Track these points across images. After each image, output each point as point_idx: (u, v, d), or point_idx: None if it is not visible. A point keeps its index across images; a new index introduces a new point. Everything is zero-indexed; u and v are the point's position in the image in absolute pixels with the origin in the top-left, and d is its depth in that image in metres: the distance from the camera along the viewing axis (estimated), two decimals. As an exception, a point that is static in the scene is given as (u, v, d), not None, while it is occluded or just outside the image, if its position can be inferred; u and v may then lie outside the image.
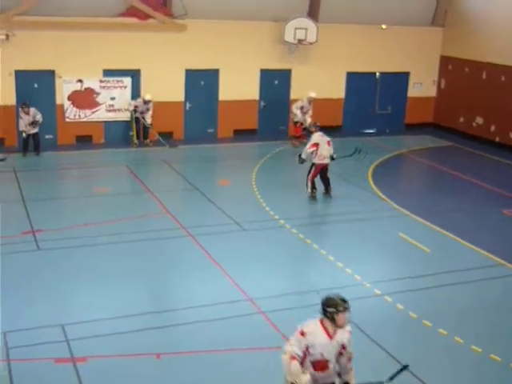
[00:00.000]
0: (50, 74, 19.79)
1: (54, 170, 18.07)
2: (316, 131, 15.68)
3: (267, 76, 22.22)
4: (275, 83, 22.47)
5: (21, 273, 10.92)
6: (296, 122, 21.12)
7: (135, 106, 20.31)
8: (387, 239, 13.21)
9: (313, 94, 20.86)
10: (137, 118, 20.45)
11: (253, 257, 12.03)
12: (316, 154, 15.34)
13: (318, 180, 15.63)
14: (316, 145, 15.30)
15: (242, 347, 8.82)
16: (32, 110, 18.55)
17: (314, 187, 15.68)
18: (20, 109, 18.64)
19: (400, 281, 11.35)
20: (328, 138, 15.51)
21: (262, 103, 22.26)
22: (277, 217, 14.12)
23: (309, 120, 20.27)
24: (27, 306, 9.77)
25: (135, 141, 20.55)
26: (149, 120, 20.38)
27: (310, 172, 15.65)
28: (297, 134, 21.21)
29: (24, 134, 18.68)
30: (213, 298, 10.21)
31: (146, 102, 20.24)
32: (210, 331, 9.25)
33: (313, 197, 15.63)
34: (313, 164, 15.58)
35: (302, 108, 20.84)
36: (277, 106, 22.17)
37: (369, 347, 8.93)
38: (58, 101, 20.07)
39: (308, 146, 15.55)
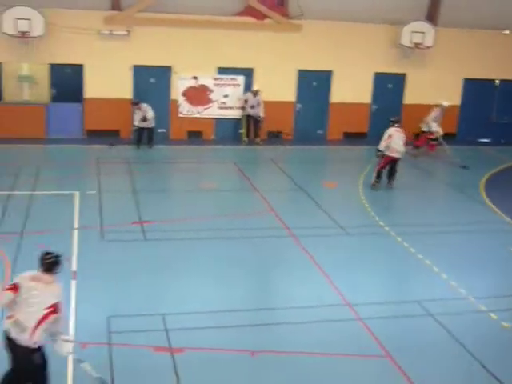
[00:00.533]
0: (167, 69, 20.36)
1: (165, 163, 18.57)
2: (392, 125, 16.43)
3: (381, 80, 21.91)
4: (388, 87, 22.12)
5: (128, 261, 11.27)
6: (423, 132, 20.49)
7: (245, 101, 20.51)
8: (497, 253, 12.68)
9: (445, 104, 20.29)
10: (248, 116, 20.68)
11: (354, 262, 11.87)
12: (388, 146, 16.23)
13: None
14: (390, 137, 16.15)
15: (336, 352, 8.71)
16: (144, 106, 19.09)
17: (378, 177, 16.45)
18: (132, 105, 19.27)
19: (508, 298, 10.86)
20: (403, 135, 16.31)
21: (374, 106, 21.96)
22: (382, 223, 13.88)
23: (439, 130, 19.85)
24: (131, 294, 10.07)
25: (245, 138, 20.79)
26: (261, 113, 20.53)
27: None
28: (420, 144, 20.56)
29: (135, 127, 19.30)
30: (311, 300, 10.14)
31: (255, 94, 20.40)
32: (306, 333, 9.20)
33: (374, 185, 16.40)
34: (383, 155, 16.32)
35: (435, 118, 20.21)
36: (389, 111, 21.80)
37: (469, 363, 8.61)
38: (173, 96, 20.61)
39: (384, 138, 16.28)
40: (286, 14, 20.79)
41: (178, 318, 9.36)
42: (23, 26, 18.48)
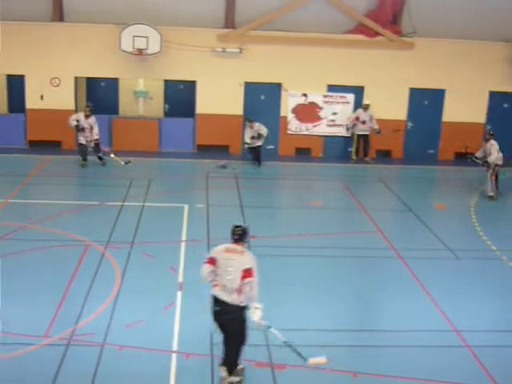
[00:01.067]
0: (277, 86, 20.53)
1: (273, 179, 18.68)
2: (491, 138, 17.18)
3: (496, 99, 21.18)
4: (504, 107, 21.35)
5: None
6: None
7: (356, 118, 20.31)
8: None
9: None
10: (358, 136, 20.49)
11: (463, 286, 11.45)
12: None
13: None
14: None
15: (440, 379, 8.39)
16: (257, 124, 19.23)
17: (495, 187, 17.07)
18: (246, 123, 19.45)
19: None
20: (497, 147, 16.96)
21: (488, 127, 21.22)
22: (494, 247, 13.34)
23: None
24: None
25: (353, 157, 20.62)
26: (376, 126, 20.29)
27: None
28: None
29: (246, 146, 19.48)
30: (416, 324, 9.86)
31: (365, 108, 20.19)
32: (410, 357, 8.93)
33: (492, 198, 16.94)
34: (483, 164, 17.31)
35: None
36: (506, 131, 20.97)
37: None
38: (282, 113, 20.75)
39: (490, 152, 17.01)
40: (398, 32, 20.53)
41: (280, 334, 9.31)
42: (140, 43, 19.20)
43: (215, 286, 7.95)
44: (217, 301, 7.94)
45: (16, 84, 20.47)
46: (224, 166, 18.61)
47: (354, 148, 20.66)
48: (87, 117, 18.23)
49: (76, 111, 19.95)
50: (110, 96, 21.52)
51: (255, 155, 19.53)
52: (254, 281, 7.86)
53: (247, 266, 7.85)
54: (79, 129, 18.23)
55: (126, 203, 15.08)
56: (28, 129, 20.48)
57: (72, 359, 8.29)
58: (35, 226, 13.47)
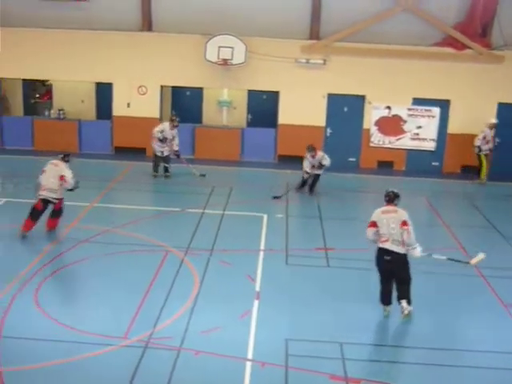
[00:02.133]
0: (360, 99, 20.36)
1: (354, 191, 18.47)
2: None
3: None
4: None
5: (309, 286, 11.30)
6: None
7: (483, 137, 19.41)
8: None
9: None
10: (484, 155, 19.57)
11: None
12: None
13: None
14: None
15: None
16: (320, 154, 17.78)
17: None
18: (307, 151, 17.78)
19: None
20: None
21: None
22: None
23: None
24: (311, 319, 10.06)
25: (483, 177, 19.70)
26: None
27: None
28: None
29: (305, 175, 17.86)
30: (500, 346, 9.51)
31: (492, 128, 19.60)
32: (491, 379, 8.64)
33: None
34: None
35: None
36: None
37: None
38: (365, 125, 20.56)
39: None
40: (487, 45, 20.01)
41: (355, 347, 9.20)
42: (226, 53, 19.45)
43: (385, 241, 9.87)
44: (387, 252, 9.86)
45: (104, 91, 21.09)
46: (278, 197, 17.00)
47: (484, 168, 19.69)
48: (173, 127, 18.12)
49: (161, 120, 20.39)
50: (194, 105, 21.88)
51: (311, 182, 17.88)
52: (410, 228, 9.79)
53: (403, 219, 9.84)
54: (162, 140, 18.09)
55: (206, 211, 15.26)
56: (114, 135, 21.05)
57: (149, 362, 8.42)
58: (118, 230, 13.80)
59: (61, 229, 13.53)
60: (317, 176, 17.64)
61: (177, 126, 18.15)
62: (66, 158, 13.36)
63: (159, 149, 18.19)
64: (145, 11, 20.15)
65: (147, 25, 20.32)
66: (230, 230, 14.08)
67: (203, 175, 18.24)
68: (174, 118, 18.26)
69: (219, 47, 19.48)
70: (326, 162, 17.43)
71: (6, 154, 20.59)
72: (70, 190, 13.25)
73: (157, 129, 18.14)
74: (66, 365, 8.39)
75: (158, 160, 18.36)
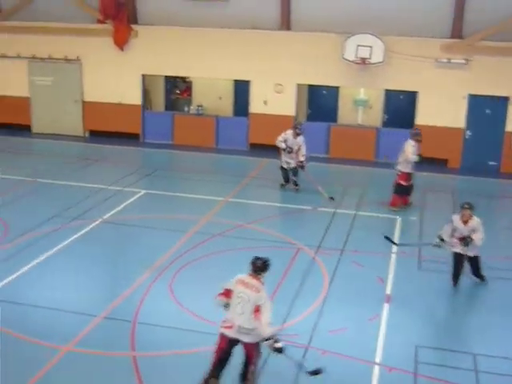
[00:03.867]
0: (504, 100, 19.49)
1: (493, 197, 17.68)
2: None
3: None
4: None
5: (443, 292, 10.97)
6: None
7: None
8: None
9: None
10: None
11: None
12: None
13: None
14: None
15: None
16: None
17: None
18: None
19: None
20: None
21: None
22: None
23: None
24: (443, 326, 9.79)
25: None
26: None
27: None
28: None
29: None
30: None
31: None
32: None
33: None
34: None
35: None
36: None
37: None
38: (508, 128, 19.65)
39: None
40: None
41: (490, 360, 8.84)
42: (364, 52, 19.23)
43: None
44: None
45: (242, 89, 21.49)
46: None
47: None
48: (296, 136, 16.40)
49: (296, 118, 20.51)
50: (330, 104, 21.81)
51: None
52: None
53: None
54: (287, 150, 16.42)
55: (338, 210, 15.19)
56: (250, 132, 21.41)
57: (276, 357, 8.50)
58: (251, 225, 14.04)
59: (195, 222, 13.96)
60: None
61: (300, 134, 16.41)
62: None
63: (286, 159, 16.64)
64: (284, 10, 20.33)
65: (286, 24, 20.49)
66: (362, 230, 13.94)
67: (332, 198, 16.13)
68: (297, 125, 16.66)
69: (358, 46, 19.29)
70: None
71: (146, 147, 21.50)
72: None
73: (279, 138, 16.49)
74: (196, 354, 8.65)
75: (284, 172, 16.86)
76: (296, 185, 16.79)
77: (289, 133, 16.48)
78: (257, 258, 7.73)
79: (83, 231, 13.25)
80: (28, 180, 16.84)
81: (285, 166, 16.73)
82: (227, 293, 7.78)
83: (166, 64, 21.44)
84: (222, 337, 7.72)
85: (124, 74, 21.80)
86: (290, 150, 16.34)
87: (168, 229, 13.52)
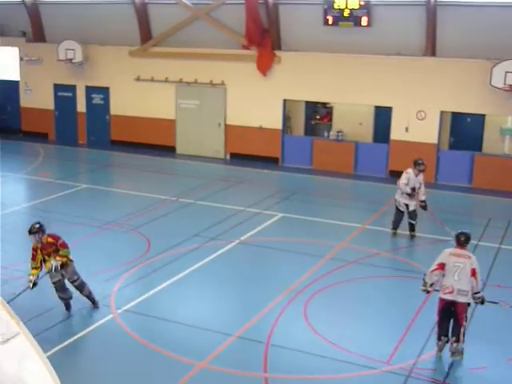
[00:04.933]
0: None
1: None
2: None
3: None
4: None
5: None
6: None
7: None
8: None
9: None
10: None
11: None
12: None
13: None
14: None
15: None
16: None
17: None
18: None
19: None
20: None
21: None
22: None
23: None
24: None
25: None
26: None
27: None
28: None
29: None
30: None
31: None
32: None
33: None
34: None
35: None
36: None
37: None
38: None
39: None
40: None
41: None
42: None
43: None
44: None
45: (383, 115, 21.23)
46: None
47: None
48: (418, 173, 14.77)
49: (438, 146, 20.00)
50: (474, 132, 21.04)
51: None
52: None
53: None
54: (410, 193, 14.62)
55: (480, 243, 14.55)
56: (390, 159, 21.07)
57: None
58: (388, 254, 13.78)
59: (331, 247, 13.88)
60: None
61: (423, 171, 14.83)
62: None
63: (404, 201, 14.79)
64: (429, 36, 19.92)
65: (431, 49, 20.06)
66: (506, 265, 13.28)
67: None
68: (419, 161, 14.79)
69: (506, 72, 18.54)
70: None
71: (285, 171, 21.71)
72: None
73: (403, 180, 14.65)
74: (327, 381, 8.55)
75: (399, 216, 15.03)
76: (412, 229, 14.96)
77: (410, 171, 14.77)
78: (460, 233, 9.44)
79: (221, 251, 13.55)
80: (171, 199, 17.48)
81: (402, 208, 14.92)
82: (441, 266, 9.24)
83: (307, 89, 21.62)
84: (442, 300, 9.24)
85: (266, 99, 22.21)
86: (413, 194, 14.65)
87: (304, 253, 13.54)
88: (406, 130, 20.58)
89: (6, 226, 14.42)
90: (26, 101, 26.47)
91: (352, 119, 22.16)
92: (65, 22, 24.88)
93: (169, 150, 23.83)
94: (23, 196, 19.00)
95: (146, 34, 23.77)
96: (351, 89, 20.91)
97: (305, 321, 10.40)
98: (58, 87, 25.76)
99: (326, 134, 22.43)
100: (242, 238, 14.38)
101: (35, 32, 25.76)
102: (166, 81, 23.52)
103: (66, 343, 9.58)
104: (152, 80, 23.75)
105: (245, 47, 22.06)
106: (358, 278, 12.26)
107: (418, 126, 20.41)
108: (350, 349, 9.39)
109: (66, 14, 24.86)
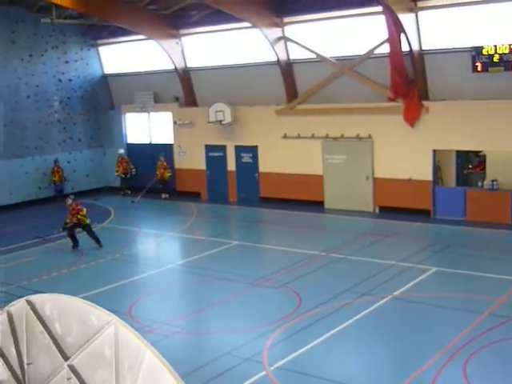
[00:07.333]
0: None
1: None
2: None
3: None
4: None
5: None
6: None
7: None
8: None
9: None
10: None
11: None
12: None
13: None
14: None
15: None
16: None
17: None
18: None
19: None
20: None
21: None
22: None
23: None
24: None
25: None
26: None
27: None
28: None
29: None
30: None
31: None
32: None
33: None
34: None
35: None
36: None
37: None
38: None
39: None
40: None
41: None
42: None
43: None
44: None
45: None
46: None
47: None
48: None
49: None
50: None
51: None
52: None
53: None
54: None
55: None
56: None
57: None
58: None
59: (490, 303, 13.15)
60: None
61: None
62: None
63: None
64: None
65: None
66: None
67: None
68: None
69: None
70: None
71: (437, 223, 21.03)
72: None
73: None
74: None
75: None
76: None
77: None
78: None
79: (373, 307, 13.23)
80: (320, 254, 17.42)
81: None
82: None
83: (457, 138, 20.99)
84: None
85: (414, 150, 21.78)
86: None
87: (460, 308, 12.93)
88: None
89: (163, 283, 14.95)
90: (179, 162, 27.75)
91: (507, 167, 21.18)
92: (214, 85, 26.02)
93: (317, 205, 23.89)
94: (178, 253, 19.72)
95: (291, 93, 24.26)
96: (505, 136, 20.05)
97: (465, 382, 9.83)
98: (209, 148, 26.79)
99: (479, 183, 21.58)
100: (395, 293, 13.98)
101: (187, 97, 27.10)
102: (313, 137, 23.76)
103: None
104: (298, 137, 24.10)
105: (391, 99, 21.88)
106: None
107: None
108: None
109: (215, 78, 26.00)
